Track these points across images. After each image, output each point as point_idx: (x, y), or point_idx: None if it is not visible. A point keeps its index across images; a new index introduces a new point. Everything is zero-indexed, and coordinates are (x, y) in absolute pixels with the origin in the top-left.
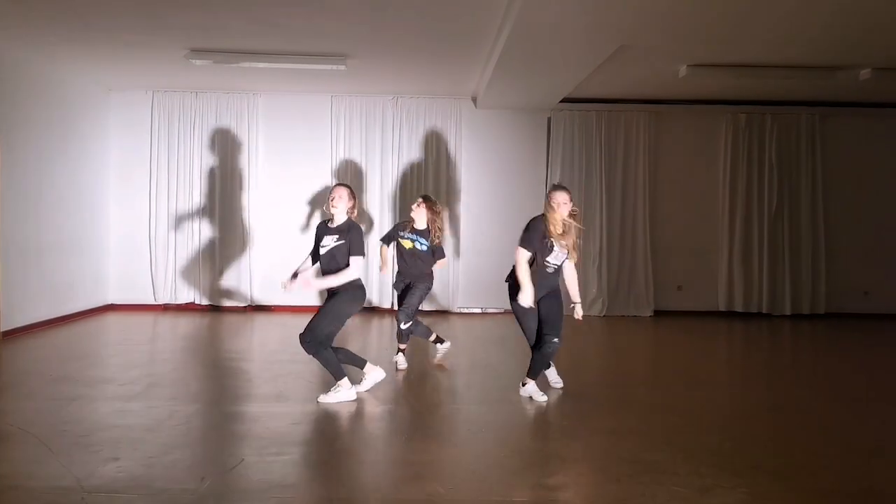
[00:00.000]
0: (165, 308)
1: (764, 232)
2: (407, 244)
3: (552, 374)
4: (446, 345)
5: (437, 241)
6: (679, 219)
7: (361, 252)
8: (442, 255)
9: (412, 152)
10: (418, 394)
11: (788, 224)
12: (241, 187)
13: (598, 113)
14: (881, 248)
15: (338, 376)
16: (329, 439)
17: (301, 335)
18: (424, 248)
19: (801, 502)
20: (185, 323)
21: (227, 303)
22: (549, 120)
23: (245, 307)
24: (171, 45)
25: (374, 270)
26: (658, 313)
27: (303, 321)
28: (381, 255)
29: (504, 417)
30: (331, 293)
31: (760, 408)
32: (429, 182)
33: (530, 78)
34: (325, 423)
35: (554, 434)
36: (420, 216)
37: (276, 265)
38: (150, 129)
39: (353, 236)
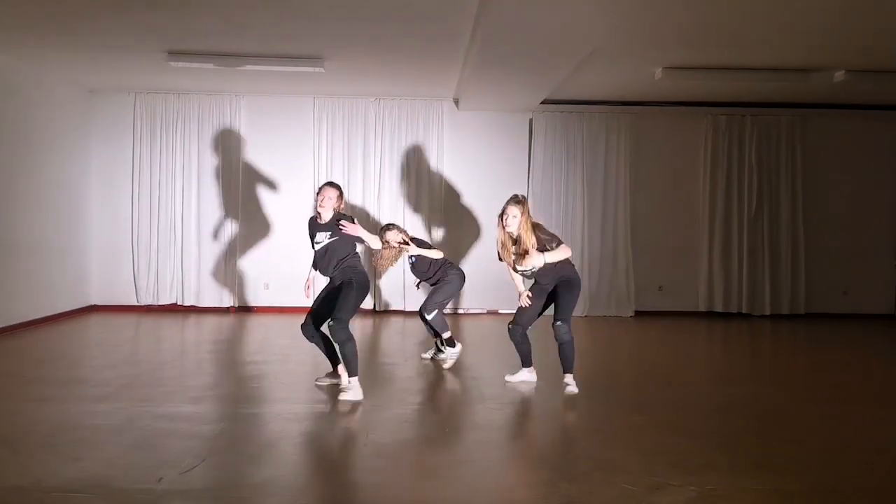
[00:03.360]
0: (148, 309)
1: (744, 233)
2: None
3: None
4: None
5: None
6: (660, 219)
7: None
8: (426, 246)
9: (395, 153)
10: (390, 394)
11: (768, 225)
12: (223, 189)
13: (580, 114)
14: (860, 248)
15: (353, 373)
16: (293, 440)
17: (331, 325)
18: (413, 260)
19: (750, 500)
20: (167, 324)
21: (210, 304)
22: (530, 121)
23: (228, 308)
24: (150, 48)
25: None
26: (639, 313)
27: (285, 321)
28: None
29: (470, 419)
30: (338, 283)
31: (726, 407)
32: (411, 183)
33: (507, 80)
34: (291, 424)
35: (515, 434)
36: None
37: (259, 266)
38: (133, 130)
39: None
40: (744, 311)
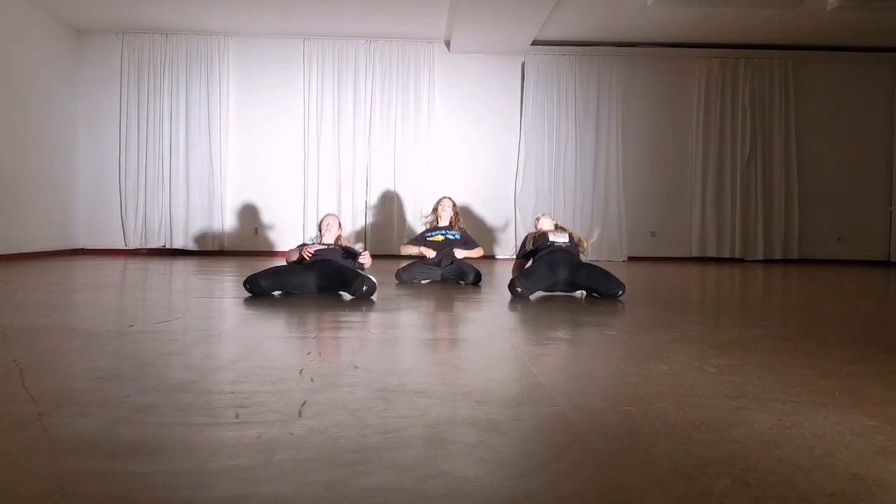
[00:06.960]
0: (136, 253)
1: (737, 177)
2: (438, 238)
3: None
4: None
5: (462, 228)
6: (652, 164)
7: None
8: (476, 245)
9: (386, 96)
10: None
11: (761, 169)
12: (211, 132)
13: (571, 57)
14: (854, 193)
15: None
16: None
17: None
18: (457, 237)
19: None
20: (150, 267)
21: (199, 248)
22: (522, 64)
23: (217, 252)
24: None
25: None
26: (632, 259)
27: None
28: (414, 252)
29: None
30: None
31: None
32: (402, 126)
33: (494, 15)
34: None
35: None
36: (445, 215)
37: (249, 211)
38: (121, 71)
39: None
40: (737, 255)
